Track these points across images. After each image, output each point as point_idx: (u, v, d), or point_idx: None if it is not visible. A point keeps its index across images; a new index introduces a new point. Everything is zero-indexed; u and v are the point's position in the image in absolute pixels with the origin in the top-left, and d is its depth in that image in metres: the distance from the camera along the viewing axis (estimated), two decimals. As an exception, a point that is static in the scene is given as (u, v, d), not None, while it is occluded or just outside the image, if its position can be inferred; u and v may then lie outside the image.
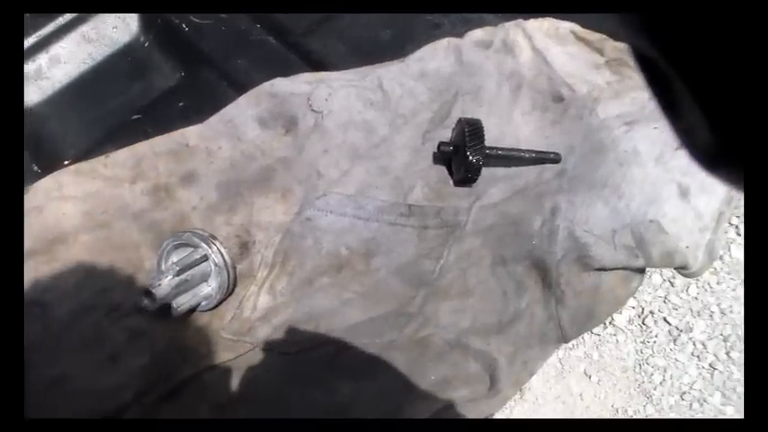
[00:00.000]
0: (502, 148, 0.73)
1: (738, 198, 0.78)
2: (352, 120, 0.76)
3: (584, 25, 0.84)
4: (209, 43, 0.85)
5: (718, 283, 0.93)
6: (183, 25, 0.86)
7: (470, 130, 0.70)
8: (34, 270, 0.69)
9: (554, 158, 0.75)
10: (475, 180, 0.72)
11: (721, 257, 0.94)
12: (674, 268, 0.75)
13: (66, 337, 0.65)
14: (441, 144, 0.73)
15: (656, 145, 0.76)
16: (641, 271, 0.73)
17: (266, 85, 0.79)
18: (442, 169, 0.75)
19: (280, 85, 0.78)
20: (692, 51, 0.23)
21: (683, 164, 0.76)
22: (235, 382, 0.65)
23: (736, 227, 0.96)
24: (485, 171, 0.74)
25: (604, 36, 0.83)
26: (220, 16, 0.86)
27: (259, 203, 0.73)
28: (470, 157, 0.70)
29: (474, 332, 0.67)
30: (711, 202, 0.75)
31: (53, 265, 0.69)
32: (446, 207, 0.72)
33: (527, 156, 0.74)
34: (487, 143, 0.73)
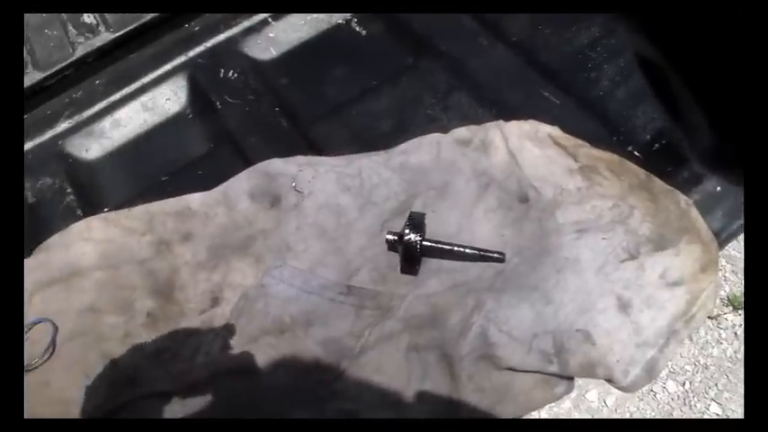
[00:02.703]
0: (444, 242, 0.86)
1: (697, 311, 0.83)
2: (327, 203, 0.93)
3: (568, 131, 0.95)
4: (234, 121, 1.05)
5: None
6: (218, 103, 1.07)
7: (410, 223, 0.84)
8: (51, 294, 0.92)
9: (498, 258, 0.86)
10: (414, 269, 0.86)
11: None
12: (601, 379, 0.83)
13: (60, 352, 0.87)
14: (388, 232, 0.87)
15: (600, 255, 0.85)
16: (569, 378, 0.82)
17: (263, 164, 0.98)
18: (395, 256, 0.89)
19: (274, 165, 0.97)
20: (692, 52, 0.26)
21: (626, 276, 0.84)
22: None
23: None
24: (432, 262, 0.87)
25: (582, 142, 0.93)
26: (249, 98, 1.06)
27: (235, 266, 0.92)
28: (409, 248, 0.83)
29: (380, 407, 0.80)
30: (658, 319, 0.82)
31: (66, 293, 0.92)
32: (384, 292, 0.86)
33: (469, 252, 0.86)
34: (442, 237, 0.86)
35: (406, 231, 0.84)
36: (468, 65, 1.05)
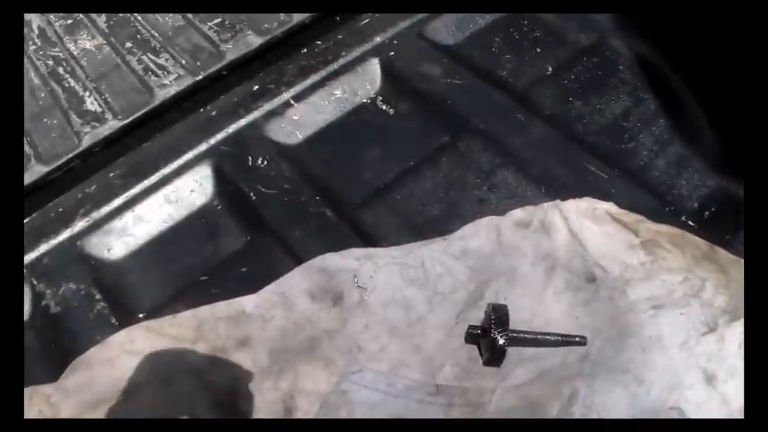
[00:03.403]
0: (528, 332, 0.86)
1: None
2: (394, 297, 0.91)
3: (622, 205, 0.97)
4: (271, 212, 1.02)
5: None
6: (251, 194, 1.04)
7: (496, 317, 0.84)
8: (102, 415, 0.86)
9: (580, 342, 0.87)
10: (500, 362, 0.85)
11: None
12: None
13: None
14: (470, 327, 0.87)
15: (681, 331, 0.87)
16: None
17: (318, 260, 0.95)
18: (473, 348, 0.88)
19: (330, 260, 0.95)
20: (692, 52, 0.30)
21: (709, 350, 0.86)
22: None
23: None
24: (513, 351, 0.86)
25: (640, 217, 0.96)
26: (285, 187, 1.04)
27: (304, 371, 0.88)
28: (495, 342, 0.83)
29: None
30: (742, 387, 0.85)
31: (117, 415, 0.86)
32: (472, 387, 0.85)
33: (553, 339, 0.86)
34: (518, 324, 0.86)
35: (493, 326, 0.83)
36: (509, 141, 1.06)
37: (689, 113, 0.24)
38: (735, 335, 0.87)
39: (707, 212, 0.97)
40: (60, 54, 1.21)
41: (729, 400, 0.84)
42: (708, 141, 0.25)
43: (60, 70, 1.19)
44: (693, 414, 0.83)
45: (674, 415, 0.82)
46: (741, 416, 0.84)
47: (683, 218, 0.97)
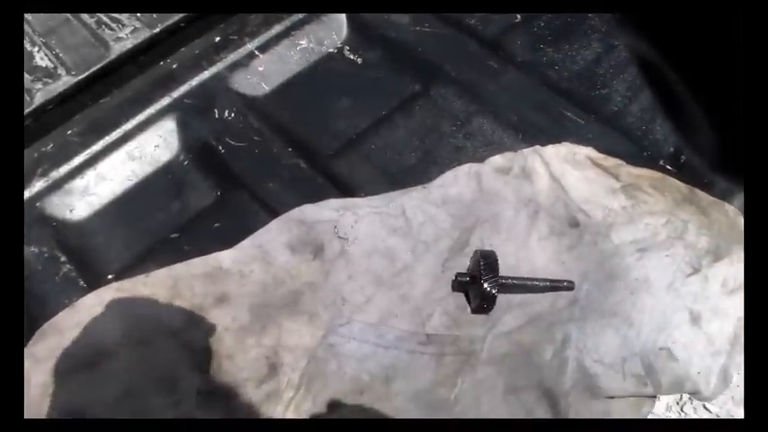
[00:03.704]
0: (516, 278, 0.85)
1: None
2: (376, 247, 0.89)
3: (600, 150, 0.96)
4: (242, 165, 0.99)
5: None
6: (220, 147, 1.00)
7: (485, 263, 0.83)
8: (77, 383, 0.82)
9: (568, 287, 0.87)
10: (490, 309, 0.84)
11: None
12: (687, 394, 0.85)
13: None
14: (458, 275, 0.85)
15: (667, 272, 0.88)
16: (652, 396, 0.84)
17: (296, 212, 0.92)
18: (460, 296, 0.87)
19: (308, 211, 0.92)
20: (691, 52, 0.26)
21: (694, 290, 0.87)
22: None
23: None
24: (501, 298, 0.85)
25: (620, 161, 0.96)
26: (254, 139, 1.00)
27: (287, 326, 0.86)
28: (486, 289, 0.82)
29: (486, 458, 0.78)
30: (724, 327, 0.86)
31: (95, 381, 0.82)
32: (462, 335, 0.84)
33: (541, 284, 0.86)
34: (504, 271, 0.85)
35: (483, 273, 0.82)
36: (483, 89, 1.05)
37: (687, 111, 0.24)
38: (717, 275, 0.88)
39: (683, 156, 0.98)
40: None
41: (713, 340, 0.85)
42: (706, 138, 0.24)
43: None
44: (681, 354, 0.84)
45: (664, 356, 0.83)
46: (723, 355, 0.85)
47: (661, 162, 0.97)
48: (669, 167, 0.97)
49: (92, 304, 0.88)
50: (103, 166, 1.01)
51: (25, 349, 0.84)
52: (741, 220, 0.92)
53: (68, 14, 1.13)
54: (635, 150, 0.98)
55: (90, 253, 0.95)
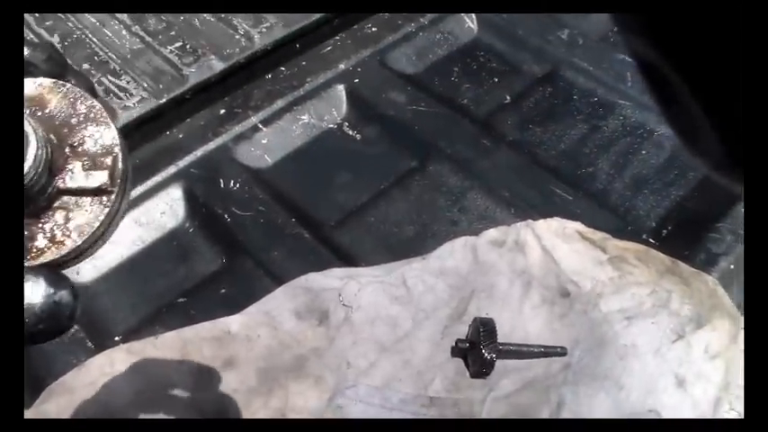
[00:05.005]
0: (513, 344, 0.92)
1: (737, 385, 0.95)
2: (379, 314, 0.96)
3: (587, 224, 1.05)
4: (248, 234, 1.05)
5: None
6: (226, 216, 1.06)
7: (484, 330, 0.89)
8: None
9: (561, 352, 0.94)
10: (489, 374, 0.91)
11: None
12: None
13: None
14: (458, 341, 0.92)
15: (653, 339, 0.95)
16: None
17: (302, 280, 0.99)
18: (459, 362, 0.93)
19: (314, 280, 0.98)
20: (692, 53, 0.26)
21: (679, 355, 0.95)
22: None
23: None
24: (498, 363, 0.92)
25: (606, 235, 1.04)
26: (259, 209, 1.07)
27: (294, 388, 0.91)
28: (485, 355, 0.88)
29: None
30: (708, 390, 0.94)
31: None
32: (462, 399, 0.90)
33: (536, 350, 0.93)
34: (500, 337, 0.92)
35: (482, 339, 0.89)
36: (477, 165, 1.13)
37: (687, 112, 0.27)
38: (700, 341, 0.96)
39: (664, 231, 1.07)
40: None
41: (698, 403, 0.92)
42: (706, 138, 0.27)
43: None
44: (668, 416, 0.90)
45: (653, 416, 0.90)
46: (710, 417, 0.93)
47: (644, 236, 1.06)
48: (652, 240, 1.05)
49: (102, 364, 0.92)
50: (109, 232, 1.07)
51: (33, 408, 0.88)
52: (720, 289, 1.00)
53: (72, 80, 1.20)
54: (620, 225, 1.07)
55: (96, 314, 1.00)
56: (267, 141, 1.16)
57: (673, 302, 0.98)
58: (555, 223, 1.05)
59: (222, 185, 1.10)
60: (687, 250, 1.04)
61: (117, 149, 0.45)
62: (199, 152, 1.14)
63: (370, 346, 0.94)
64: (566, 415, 0.89)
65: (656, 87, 0.31)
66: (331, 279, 0.99)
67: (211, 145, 1.15)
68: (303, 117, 1.20)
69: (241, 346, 0.95)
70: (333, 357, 0.94)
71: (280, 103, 1.21)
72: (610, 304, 0.99)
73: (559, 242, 1.04)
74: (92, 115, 0.45)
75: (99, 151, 0.44)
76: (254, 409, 0.90)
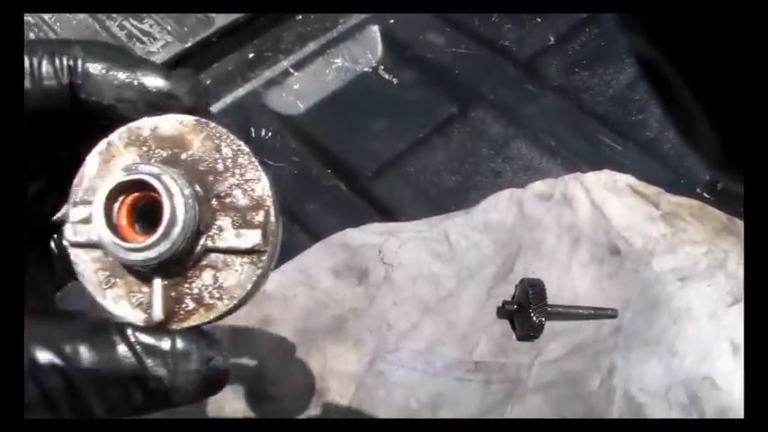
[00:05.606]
0: (562, 306, 0.88)
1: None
2: (421, 272, 0.92)
3: (638, 177, 1.00)
4: (281, 186, 1.01)
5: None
6: (258, 167, 1.02)
7: (534, 292, 0.86)
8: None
9: (611, 315, 0.90)
10: (537, 337, 0.87)
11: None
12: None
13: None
14: (505, 303, 0.88)
15: (709, 302, 0.91)
16: (694, 425, 0.87)
17: (339, 236, 0.95)
18: (505, 324, 0.90)
19: (352, 236, 0.95)
20: (693, 53, 0.27)
21: (735, 321, 0.91)
22: None
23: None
24: (546, 325, 0.88)
25: (659, 189, 0.99)
26: (293, 159, 1.03)
27: (332, 351, 0.88)
28: (534, 318, 0.85)
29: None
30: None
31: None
32: (508, 363, 0.87)
33: (585, 312, 0.89)
34: (547, 297, 0.88)
35: (531, 301, 0.85)
36: (521, 112, 1.08)
37: (685, 108, 0.25)
38: (758, 305, 0.92)
39: (719, 185, 1.01)
40: (30, 18, 1.15)
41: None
42: (705, 136, 0.25)
43: (32, 35, 1.13)
44: (724, 383, 0.87)
45: (708, 385, 0.87)
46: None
47: (698, 190, 1.01)
48: (706, 195, 1.00)
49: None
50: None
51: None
52: (780, 251, 0.95)
53: (97, 26, 1.15)
54: (672, 177, 1.02)
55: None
56: (299, 87, 1.11)
57: (729, 263, 0.94)
58: (604, 176, 1.00)
59: (253, 134, 1.06)
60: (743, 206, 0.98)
61: (269, 202, 0.40)
62: (228, 99, 1.09)
63: (412, 306, 0.91)
64: (617, 382, 0.86)
65: (656, 87, 0.31)
66: (370, 235, 0.95)
67: (241, 91, 1.10)
68: (336, 60, 1.14)
69: (276, 305, 0.91)
70: (372, 318, 0.90)
71: (312, 46, 1.15)
72: (662, 263, 0.94)
73: (609, 196, 0.99)
74: (239, 160, 0.39)
75: (249, 204, 0.39)
76: (290, 372, 0.88)
